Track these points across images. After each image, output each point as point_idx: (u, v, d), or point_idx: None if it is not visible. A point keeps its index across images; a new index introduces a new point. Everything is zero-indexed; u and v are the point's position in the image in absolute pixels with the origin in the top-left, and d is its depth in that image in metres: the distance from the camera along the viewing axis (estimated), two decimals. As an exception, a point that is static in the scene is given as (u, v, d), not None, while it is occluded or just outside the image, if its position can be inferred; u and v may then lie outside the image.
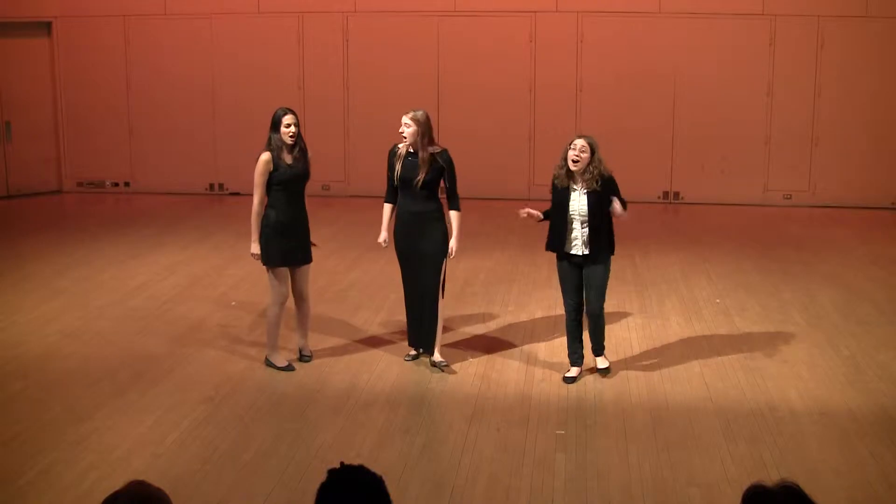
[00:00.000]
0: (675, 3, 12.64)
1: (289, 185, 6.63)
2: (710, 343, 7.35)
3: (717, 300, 8.45)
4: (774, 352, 7.13)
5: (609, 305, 6.78)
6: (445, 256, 6.73)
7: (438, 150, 6.66)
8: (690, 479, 5.17)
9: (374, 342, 7.38)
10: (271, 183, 6.62)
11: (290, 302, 6.85)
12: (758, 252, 10.20)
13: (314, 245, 6.91)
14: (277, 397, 6.36)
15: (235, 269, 9.33)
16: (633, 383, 6.54)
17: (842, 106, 12.57)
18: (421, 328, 6.84)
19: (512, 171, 13.13)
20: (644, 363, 6.92)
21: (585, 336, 6.68)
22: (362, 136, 13.18)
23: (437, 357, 6.78)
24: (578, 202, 6.40)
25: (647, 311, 8.15)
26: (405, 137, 6.59)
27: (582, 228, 6.40)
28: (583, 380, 6.59)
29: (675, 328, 7.72)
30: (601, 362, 6.71)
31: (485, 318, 7.98)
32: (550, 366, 6.86)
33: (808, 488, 2.66)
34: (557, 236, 6.49)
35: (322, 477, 2.61)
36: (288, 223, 6.66)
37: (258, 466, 5.32)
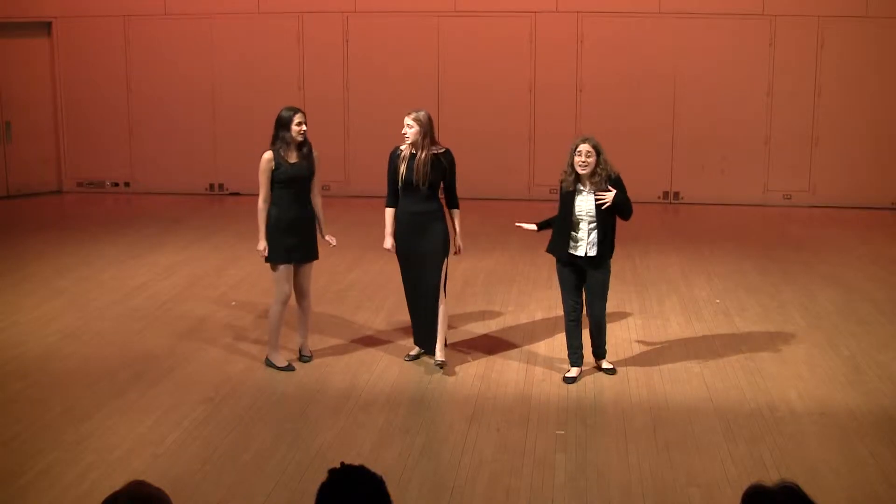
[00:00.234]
0: (675, 3, 12.64)
1: (290, 183, 6.65)
2: (710, 343, 7.35)
3: (717, 300, 8.45)
4: (774, 352, 7.13)
5: (609, 305, 6.78)
6: (446, 256, 6.73)
7: (441, 150, 6.66)
8: (690, 479, 5.17)
9: (374, 342, 7.38)
10: (274, 181, 6.66)
11: (293, 301, 6.86)
12: (758, 252, 10.21)
13: (332, 244, 6.94)
14: (277, 397, 6.36)
15: (235, 269, 9.33)
16: (633, 383, 6.54)
17: (842, 106, 12.57)
18: (423, 328, 6.84)
19: (512, 171, 13.13)
20: (644, 363, 6.92)
21: (585, 336, 6.68)
22: (362, 136, 13.19)
23: (438, 357, 6.77)
24: (586, 203, 6.38)
25: (647, 311, 8.15)
26: (407, 138, 6.59)
27: (589, 228, 6.40)
28: (583, 380, 6.59)
29: (675, 328, 7.72)
30: (606, 364, 6.72)
31: (485, 318, 7.98)
32: (550, 366, 6.86)
33: (808, 488, 2.66)
34: (561, 239, 6.47)
35: (322, 477, 2.62)
36: (290, 221, 6.68)
37: (258, 466, 5.33)
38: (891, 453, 5.46)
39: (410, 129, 6.58)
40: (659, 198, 13.04)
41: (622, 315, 7.98)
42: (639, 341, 7.40)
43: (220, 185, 13.66)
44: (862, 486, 5.10)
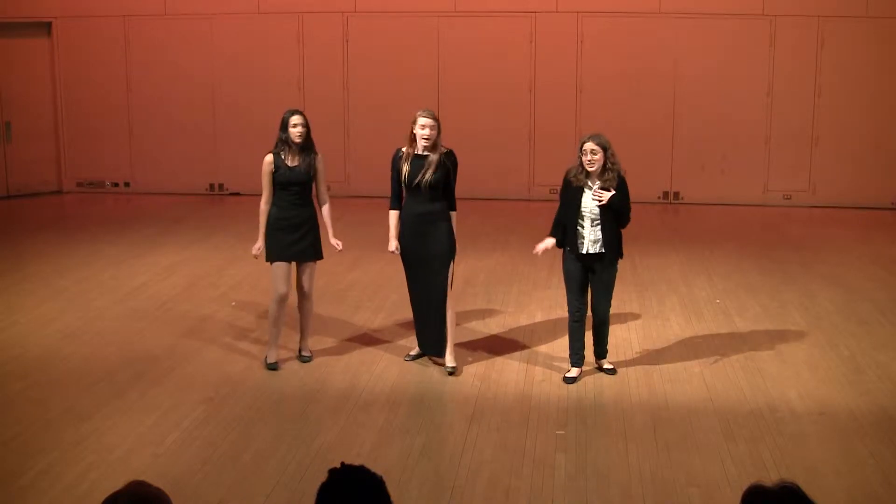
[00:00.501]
0: (675, 3, 12.65)
1: (288, 186, 6.68)
2: (710, 343, 7.35)
3: (717, 300, 8.45)
4: (774, 352, 7.13)
5: (610, 305, 6.79)
6: (453, 258, 6.69)
7: (445, 151, 6.64)
8: (690, 479, 5.17)
9: (374, 342, 7.38)
10: (274, 183, 6.71)
11: (294, 301, 6.87)
12: (758, 252, 10.21)
13: (338, 248, 6.96)
14: (277, 397, 6.36)
15: (235, 269, 9.33)
16: (633, 383, 6.54)
17: (842, 106, 12.57)
18: (430, 331, 6.79)
19: (512, 171, 13.13)
20: (644, 363, 6.91)
21: (586, 337, 6.68)
22: (362, 136, 13.19)
23: (449, 363, 6.72)
24: (591, 202, 6.37)
25: (647, 311, 8.14)
26: (426, 138, 6.54)
27: (593, 227, 6.38)
28: (583, 380, 6.59)
29: (675, 328, 7.72)
30: (606, 364, 6.73)
31: (485, 318, 7.98)
32: (550, 366, 6.86)
33: (808, 488, 2.66)
34: (572, 234, 6.43)
35: (322, 477, 2.62)
36: (288, 221, 6.70)
37: (258, 466, 5.33)
38: (891, 453, 5.46)
39: (432, 130, 6.55)
40: (659, 198, 13.05)
41: (622, 315, 7.97)
42: (639, 341, 7.39)
43: (220, 185, 13.66)
44: (862, 486, 5.10)
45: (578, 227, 6.38)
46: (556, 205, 6.64)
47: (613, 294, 6.61)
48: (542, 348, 7.24)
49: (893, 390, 6.39)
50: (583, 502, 4.95)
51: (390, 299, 8.34)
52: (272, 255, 6.73)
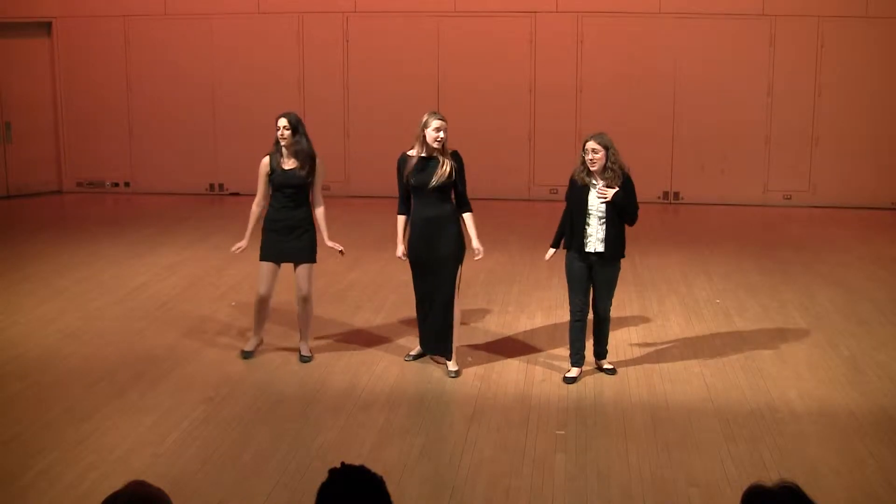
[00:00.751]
0: (675, 3, 12.65)
1: (281, 188, 6.76)
2: (710, 343, 7.35)
3: (717, 300, 8.45)
4: (774, 352, 7.13)
5: (610, 305, 6.79)
6: (461, 262, 6.67)
7: (450, 152, 6.62)
8: (690, 479, 5.17)
9: (374, 342, 7.38)
10: (269, 185, 6.80)
11: (294, 302, 6.88)
12: (758, 252, 10.21)
13: (341, 253, 7.02)
14: (277, 397, 6.36)
15: (235, 269, 9.33)
16: (633, 383, 6.54)
17: (842, 106, 12.58)
18: (434, 333, 6.78)
19: (512, 171, 13.13)
20: (644, 363, 6.91)
21: (587, 337, 6.68)
22: (362, 136, 13.18)
23: (451, 367, 6.71)
24: (597, 199, 6.38)
25: (647, 312, 8.14)
26: (440, 140, 6.49)
27: (598, 225, 6.39)
28: (583, 380, 6.59)
29: (675, 328, 7.72)
30: (606, 364, 6.73)
31: (485, 318, 7.98)
32: (550, 366, 6.86)
33: (808, 488, 2.66)
34: (576, 234, 6.44)
35: (322, 477, 2.62)
36: (279, 222, 6.78)
37: (258, 466, 5.33)
38: (891, 453, 5.46)
39: (446, 133, 6.52)
40: (659, 198, 13.05)
41: (622, 315, 7.97)
42: (639, 341, 7.39)
43: (220, 185, 13.66)
44: (862, 486, 5.10)
45: (585, 226, 6.40)
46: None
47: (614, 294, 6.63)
48: (542, 348, 7.24)
49: (893, 390, 6.40)
50: (583, 502, 4.95)
51: (390, 299, 8.34)
52: (261, 253, 6.84)
